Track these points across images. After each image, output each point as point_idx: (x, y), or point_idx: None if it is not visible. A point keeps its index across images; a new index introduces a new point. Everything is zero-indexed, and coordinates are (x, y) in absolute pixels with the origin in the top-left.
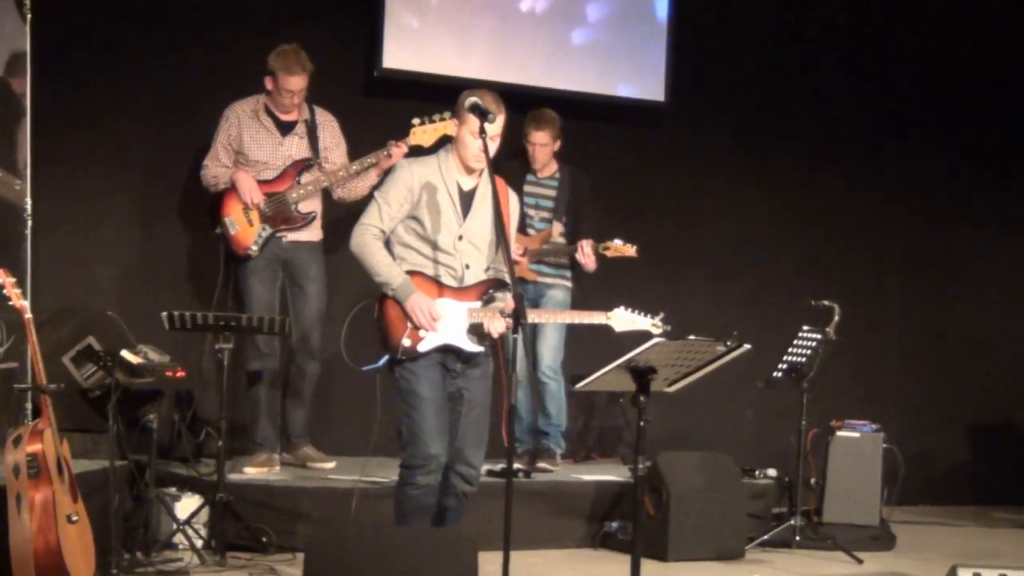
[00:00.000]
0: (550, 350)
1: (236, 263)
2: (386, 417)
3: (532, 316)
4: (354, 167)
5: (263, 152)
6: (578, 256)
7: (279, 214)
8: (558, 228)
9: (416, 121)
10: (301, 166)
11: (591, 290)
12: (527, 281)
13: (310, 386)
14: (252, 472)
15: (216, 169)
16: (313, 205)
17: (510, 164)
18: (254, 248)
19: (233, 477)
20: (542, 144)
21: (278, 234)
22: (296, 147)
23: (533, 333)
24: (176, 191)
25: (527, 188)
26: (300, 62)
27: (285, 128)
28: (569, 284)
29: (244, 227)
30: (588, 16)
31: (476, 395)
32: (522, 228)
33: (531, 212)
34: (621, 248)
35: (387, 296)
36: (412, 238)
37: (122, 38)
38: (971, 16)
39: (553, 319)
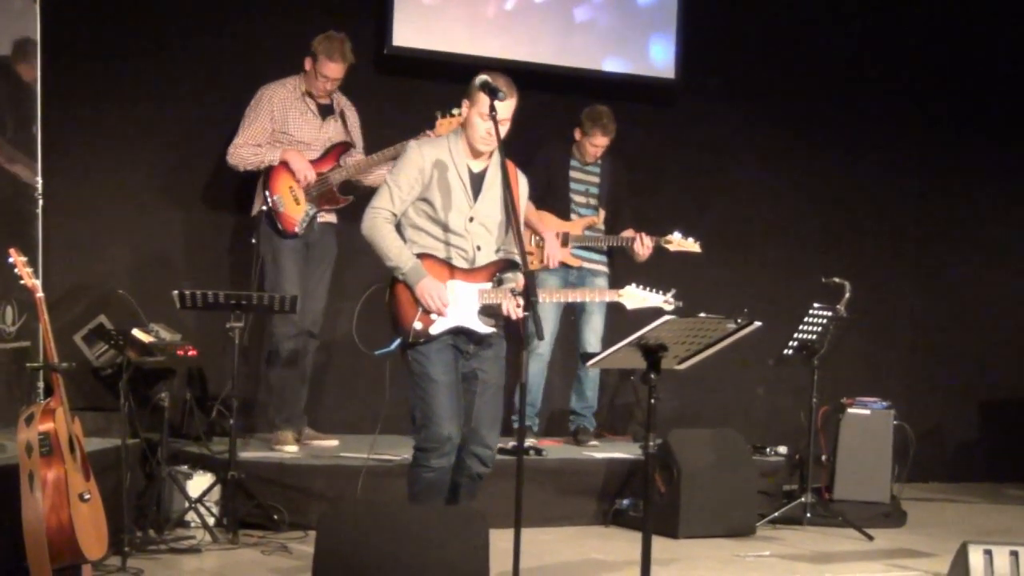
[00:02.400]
0: (596, 339)
1: (273, 240)
2: (396, 395)
3: (543, 295)
4: (381, 155)
5: (306, 133)
6: (636, 247)
7: (324, 195)
8: (603, 215)
9: (439, 114)
10: (343, 149)
11: None
12: (571, 267)
13: (311, 364)
14: (294, 451)
15: (252, 148)
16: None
17: (552, 146)
18: (301, 227)
19: (245, 455)
20: (604, 147)
21: (318, 214)
22: (334, 130)
23: (579, 318)
24: (188, 170)
25: (574, 174)
26: (343, 52)
27: (324, 111)
28: (608, 271)
29: (291, 206)
30: None
31: (490, 376)
32: (565, 214)
33: (578, 198)
34: (683, 243)
35: (398, 280)
36: (423, 220)
37: (133, 19)
38: None
39: (562, 298)
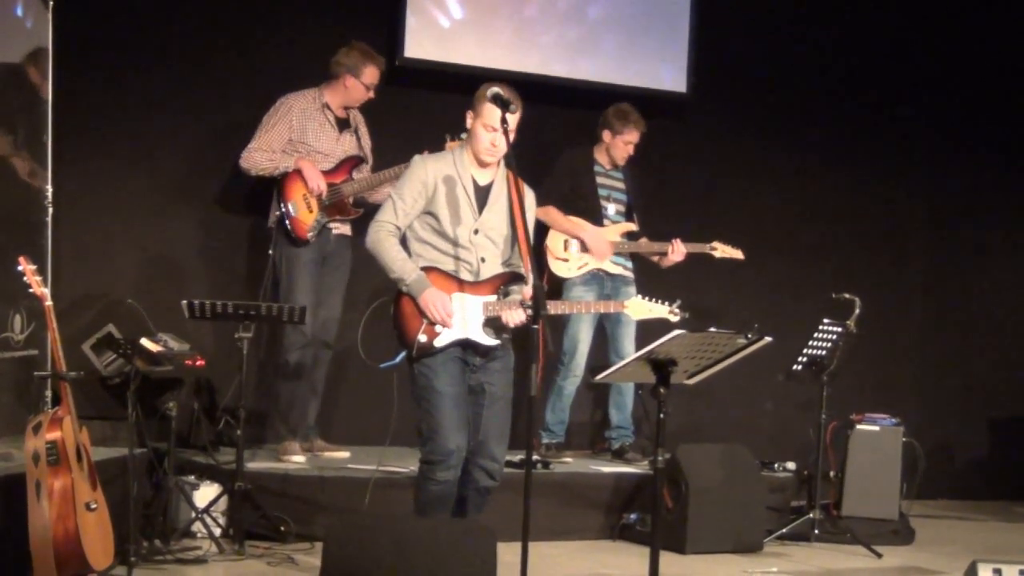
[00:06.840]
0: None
1: (287, 249)
2: (404, 407)
3: (552, 307)
4: (392, 172)
5: (324, 144)
6: (672, 254)
7: (336, 205)
8: (638, 221)
9: (448, 136)
10: (355, 162)
11: None
12: (607, 275)
13: (324, 375)
14: (301, 461)
15: (266, 154)
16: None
17: (573, 152)
18: (311, 234)
19: (252, 466)
20: (637, 143)
21: (330, 225)
22: (349, 144)
23: (614, 334)
24: (197, 180)
25: (600, 180)
26: (373, 54)
27: (342, 124)
28: (633, 276)
29: (304, 213)
30: (610, 6)
31: (498, 388)
32: (598, 220)
33: (607, 204)
34: (729, 250)
35: (403, 293)
36: (428, 233)
37: (144, 28)
38: (994, 12)
39: (571, 310)
